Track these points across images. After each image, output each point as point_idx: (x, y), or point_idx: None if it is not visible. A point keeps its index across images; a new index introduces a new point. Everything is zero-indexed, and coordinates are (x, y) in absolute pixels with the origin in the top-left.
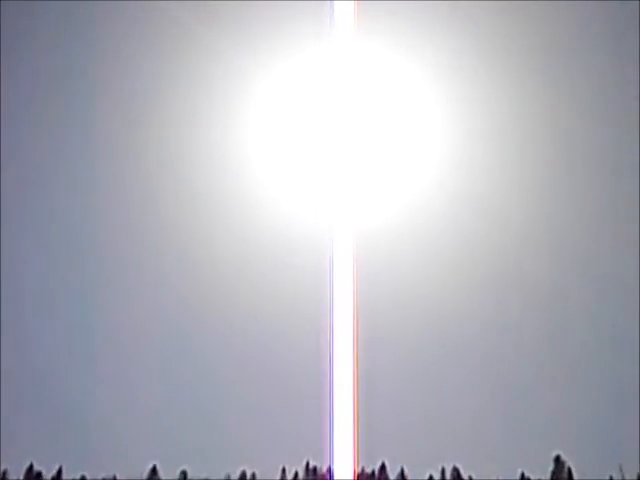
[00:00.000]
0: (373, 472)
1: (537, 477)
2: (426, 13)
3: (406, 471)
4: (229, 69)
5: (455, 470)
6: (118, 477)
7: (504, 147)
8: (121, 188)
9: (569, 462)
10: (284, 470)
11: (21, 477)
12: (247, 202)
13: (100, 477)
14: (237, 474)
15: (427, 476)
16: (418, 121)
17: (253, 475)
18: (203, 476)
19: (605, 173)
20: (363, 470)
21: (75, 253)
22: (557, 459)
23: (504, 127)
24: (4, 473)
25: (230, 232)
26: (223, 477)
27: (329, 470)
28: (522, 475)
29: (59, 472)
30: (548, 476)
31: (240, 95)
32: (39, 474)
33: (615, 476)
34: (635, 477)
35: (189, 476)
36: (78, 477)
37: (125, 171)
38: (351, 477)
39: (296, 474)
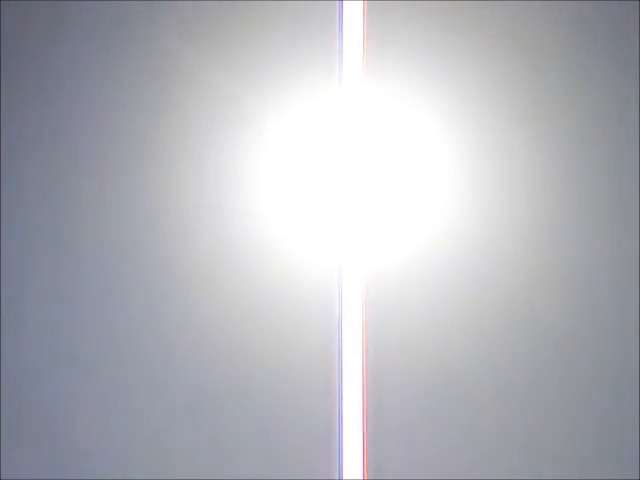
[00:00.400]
0: None
1: None
2: (436, 59)
3: None
4: (238, 112)
5: None
6: None
7: (514, 191)
8: (127, 238)
9: None
10: None
11: None
12: (255, 245)
13: None
14: None
15: None
16: (428, 165)
17: None
18: None
19: (619, 218)
20: None
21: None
22: None
23: (514, 172)
24: None
25: (237, 273)
26: None
27: None
28: None
29: None
30: None
31: (249, 138)
32: None
33: None
34: None
35: None
36: None
37: (129, 219)
38: None
39: None
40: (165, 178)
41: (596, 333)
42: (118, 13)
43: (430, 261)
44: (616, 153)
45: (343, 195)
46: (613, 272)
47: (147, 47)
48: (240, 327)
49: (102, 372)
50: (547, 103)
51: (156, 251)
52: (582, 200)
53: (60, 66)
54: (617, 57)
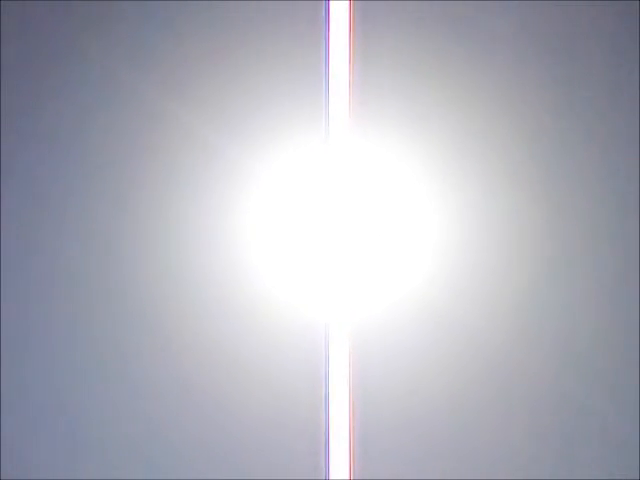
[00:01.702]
0: None
1: None
2: (422, 109)
3: None
4: (226, 163)
5: None
6: None
7: (498, 244)
8: (117, 302)
9: None
10: None
11: None
12: (243, 299)
13: None
14: None
15: None
16: (413, 218)
17: None
18: None
19: (605, 279)
20: None
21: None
22: None
23: (498, 224)
24: None
25: (227, 324)
26: None
27: None
28: None
29: None
30: None
31: (236, 188)
32: None
33: None
34: None
35: None
36: None
37: (117, 274)
38: None
39: None
40: (151, 230)
41: (586, 387)
42: (106, 65)
43: (413, 315)
44: (610, 213)
45: (329, 250)
46: (599, 327)
47: (133, 99)
48: (232, 379)
49: (100, 381)
50: (535, 153)
51: (144, 306)
52: (566, 254)
53: (49, 117)
54: (611, 122)
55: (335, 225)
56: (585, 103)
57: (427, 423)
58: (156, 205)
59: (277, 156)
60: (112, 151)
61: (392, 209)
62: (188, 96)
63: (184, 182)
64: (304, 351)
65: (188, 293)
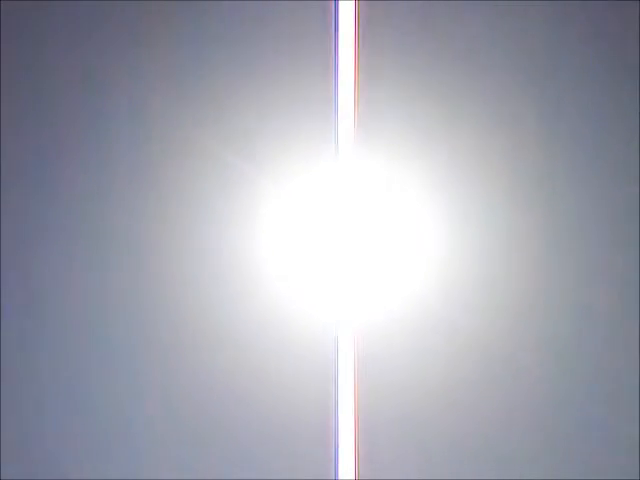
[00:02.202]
0: None
1: None
2: (424, 131)
3: None
4: (235, 178)
5: None
6: None
7: (495, 252)
8: (131, 309)
9: None
10: None
11: None
12: (258, 305)
13: None
14: None
15: None
16: (416, 226)
17: None
18: None
19: (605, 303)
20: None
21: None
22: None
23: (495, 231)
24: None
25: (242, 326)
26: None
27: None
28: None
29: None
30: None
31: (246, 204)
32: None
33: None
34: None
35: None
36: None
37: (130, 284)
38: None
39: None
40: (164, 241)
41: (584, 392)
42: (111, 78)
43: (415, 317)
44: (607, 216)
45: (338, 257)
46: (597, 329)
47: (144, 113)
48: (249, 373)
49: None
50: (530, 172)
51: (161, 306)
52: (562, 259)
53: (52, 134)
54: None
55: (343, 233)
56: (585, 112)
57: (430, 420)
58: (166, 218)
59: (288, 169)
60: (120, 166)
61: (397, 218)
62: (203, 115)
63: (202, 195)
64: (314, 350)
65: (207, 296)
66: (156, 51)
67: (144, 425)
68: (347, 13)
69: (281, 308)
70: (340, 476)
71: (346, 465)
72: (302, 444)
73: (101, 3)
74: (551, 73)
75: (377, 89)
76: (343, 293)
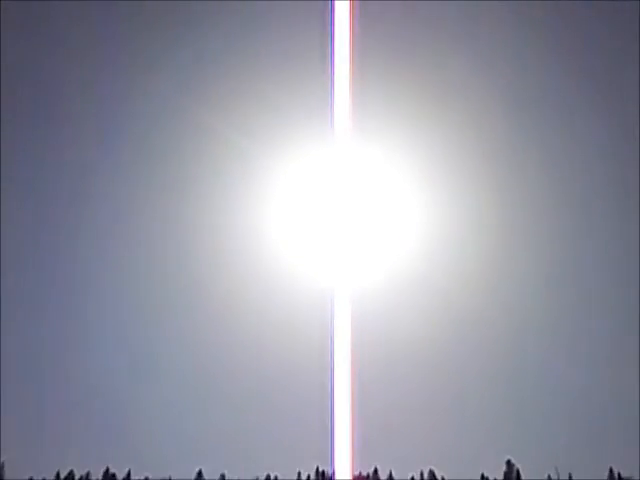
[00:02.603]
0: (368, 475)
1: (493, 477)
2: (418, 118)
3: (394, 474)
4: (248, 164)
5: (431, 472)
6: (173, 478)
7: (478, 225)
8: (142, 275)
9: (517, 465)
10: (299, 473)
11: (100, 477)
12: (266, 270)
13: (159, 477)
14: (263, 476)
15: (409, 477)
16: (405, 205)
17: (276, 477)
18: (237, 478)
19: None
20: (360, 473)
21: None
22: (508, 462)
23: (485, 211)
24: (87, 474)
25: (252, 284)
26: (253, 478)
27: (333, 473)
28: (482, 475)
29: (129, 474)
30: (502, 476)
31: (258, 184)
32: (114, 475)
33: (552, 476)
34: (567, 477)
35: (227, 477)
36: (143, 477)
37: (144, 261)
38: (350, 478)
39: (308, 477)
40: (182, 220)
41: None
42: (127, 73)
43: (405, 282)
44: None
45: (336, 229)
46: (599, 298)
47: (161, 106)
48: (253, 330)
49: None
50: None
51: (178, 273)
52: (541, 234)
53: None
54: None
55: (341, 209)
56: (585, 113)
57: (415, 365)
58: (184, 198)
59: (291, 152)
60: (139, 154)
61: (390, 197)
62: (217, 105)
63: (215, 175)
64: (314, 306)
65: (218, 264)
66: (160, 36)
67: (166, 366)
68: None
69: (286, 273)
70: (336, 417)
71: (342, 409)
72: (301, 388)
73: None
74: (559, 61)
75: (371, 74)
76: (339, 258)
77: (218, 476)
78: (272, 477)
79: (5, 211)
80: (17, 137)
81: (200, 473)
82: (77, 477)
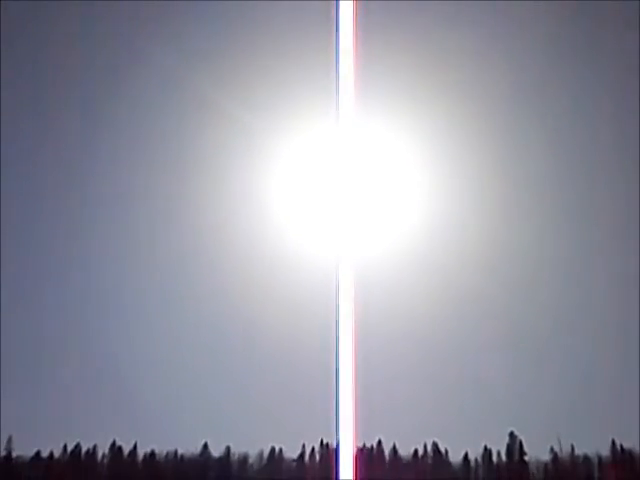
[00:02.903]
0: (372, 447)
1: (496, 449)
2: (419, 96)
3: (397, 446)
4: (252, 138)
5: (434, 444)
6: (179, 451)
7: (478, 201)
8: (144, 258)
9: (520, 437)
10: (304, 446)
11: (106, 450)
12: (271, 246)
13: (165, 450)
14: (268, 449)
15: (413, 449)
16: (407, 183)
17: (280, 449)
18: (242, 450)
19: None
20: (364, 445)
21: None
22: (511, 434)
23: (490, 185)
24: (94, 447)
25: (257, 260)
26: (258, 451)
27: (337, 445)
28: (485, 447)
29: (135, 446)
30: (505, 448)
31: (262, 156)
32: (120, 448)
33: (555, 447)
34: (569, 448)
35: (232, 450)
36: (149, 450)
37: (145, 236)
38: (354, 450)
39: (313, 448)
40: (187, 193)
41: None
42: (129, 48)
43: (406, 256)
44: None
45: (340, 206)
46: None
47: (164, 80)
48: (257, 305)
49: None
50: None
51: (181, 249)
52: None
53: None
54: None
55: (345, 185)
56: (587, 104)
57: (415, 331)
58: (196, 173)
59: (295, 127)
60: (147, 130)
61: (393, 172)
62: (221, 79)
63: (219, 150)
64: (318, 286)
65: (220, 241)
66: (164, 11)
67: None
68: None
69: (288, 247)
70: (340, 391)
71: (345, 383)
72: (305, 362)
73: None
74: (554, 54)
75: (375, 49)
76: (344, 237)
77: (223, 449)
78: (277, 450)
79: (5, 199)
80: (17, 119)
81: (206, 446)
82: (84, 450)
